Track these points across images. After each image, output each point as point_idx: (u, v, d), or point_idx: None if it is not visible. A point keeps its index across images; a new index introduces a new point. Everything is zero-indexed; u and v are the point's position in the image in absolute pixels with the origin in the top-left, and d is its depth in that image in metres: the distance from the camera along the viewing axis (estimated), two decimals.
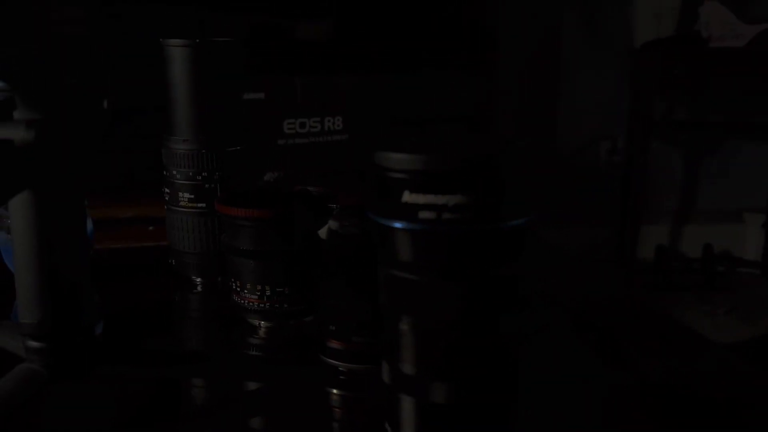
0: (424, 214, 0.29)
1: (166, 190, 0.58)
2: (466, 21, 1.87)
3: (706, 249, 2.31)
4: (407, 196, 0.29)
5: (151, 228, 0.90)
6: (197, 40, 0.54)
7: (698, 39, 1.99)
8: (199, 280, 0.60)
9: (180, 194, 0.57)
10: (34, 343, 0.36)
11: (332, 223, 0.42)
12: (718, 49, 1.96)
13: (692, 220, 2.46)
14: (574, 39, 2.26)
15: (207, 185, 0.57)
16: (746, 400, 0.43)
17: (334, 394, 0.43)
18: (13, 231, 0.33)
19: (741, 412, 0.41)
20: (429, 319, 0.31)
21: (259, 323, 0.49)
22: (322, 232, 0.42)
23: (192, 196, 0.57)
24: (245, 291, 0.49)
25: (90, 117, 0.34)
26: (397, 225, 0.30)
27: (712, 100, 2.27)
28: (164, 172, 0.58)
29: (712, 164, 2.43)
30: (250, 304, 0.49)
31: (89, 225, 0.57)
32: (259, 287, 0.48)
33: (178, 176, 0.57)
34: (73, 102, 0.33)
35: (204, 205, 0.57)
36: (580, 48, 2.26)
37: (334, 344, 0.42)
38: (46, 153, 0.31)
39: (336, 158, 1.16)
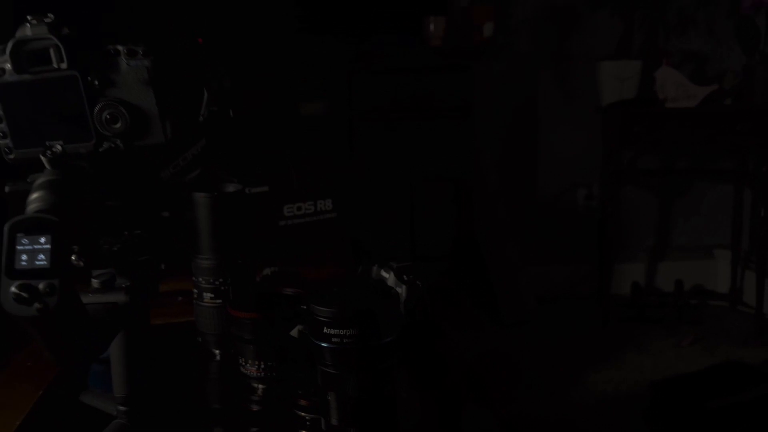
0: (335, 339, 0.54)
1: (195, 290, 0.84)
2: (445, 93, 2.14)
3: (677, 284, 2.54)
4: (326, 330, 0.54)
5: (180, 298, 1.16)
6: (215, 193, 0.80)
7: (655, 100, 2.24)
8: (218, 352, 0.85)
9: (204, 294, 0.83)
10: (123, 408, 0.62)
11: (299, 326, 0.67)
12: (672, 109, 2.21)
13: (666, 257, 2.69)
14: (550, 99, 2.52)
15: (223, 288, 0.82)
16: None
17: None
18: (111, 347, 0.58)
19: None
20: (343, 393, 0.56)
21: (258, 386, 0.75)
22: (294, 332, 0.68)
23: (213, 296, 0.82)
24: (248, 364, 0.74)
25: (156, 275, 0.60)
26: (323, 344, 0.55)
27: (674, 150, 2.52)
28: (193, 278, 0.84)
29: (681, 206, 2.67)
30: (251, 373, 0.74)
31: None
32: (256, 362, 0.74)
33: (203, 282, 0.82)
34: (146, 270, 0.59)
35: (221, 301, 0.82)
36: (556, 107, 2.52)
37: (301, 402, 0.68)
38: (132, 305, 0.56)
39: (327, 234, 1.42)
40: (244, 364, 0.75)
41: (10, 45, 0.56)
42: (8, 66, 0.56)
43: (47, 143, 0.57)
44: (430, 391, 0.86)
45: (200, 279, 0.83)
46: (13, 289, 0.44)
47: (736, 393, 1.85)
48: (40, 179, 0.50)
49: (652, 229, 2.70)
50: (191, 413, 0.78)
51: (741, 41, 2.18)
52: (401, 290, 0.74)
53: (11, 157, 0.59)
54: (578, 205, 2.61)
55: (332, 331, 0.54)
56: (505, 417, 1.74)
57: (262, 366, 0.73)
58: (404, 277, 0.76)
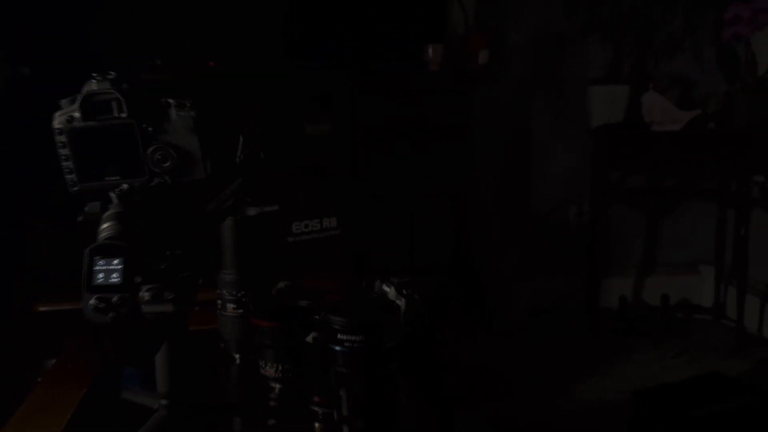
0: (347, 344, 0.66)
1: (219, 302, 0.95)
2: (443, 115, 2.26)
3: (663, 298, 2.65)
4: (339, 336, 0.66)
5: (196, 308, 1.27)
6: (239, 216, 0.92)
7: (642, 123, 2.36)
8: (237, 356, 0.96)
9: (228, 305, 0.94)
10: (163, 401, 0.73)
11: (313, 333, 0.79)
12: (658, 132, 2.33)
13: (653, 272, 2.81)
14: (543, 121, 2.64)
15: (244, 299, 0.94)
16: None
17: (316, 427, 0.79)
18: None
19: None
20: (352, 390, 0.67)
21: (275, 386, 0.86)
22: (309, 338, 0.79)
23: (235, 306, 0.94)
24: (267, 366, 0.85)
25: (194, 289, 0.71)
26: (337, 348, 0.67)
27: (661, 170, 2.65)
28: (217, 291, 0.95)
29: (668, 224, 2.79)
30: (270, 374, 0.85)
31: None
32: (275, 364, 0.85)
33: (227, 294, 0.94)
34: (187, 284, 0.70)
35: (242, 311, 0.94)
36: (549, 128, 2.64)
37: (315, 399, 0.79)
38: (177, 313, 0.67)
39: (331, 249, 1.54)
40: (263, 366, 0.86)
41: (80, 98, 0.67)
42: (77, 114, 0.68)
43: (107, 179, 0.69)
44: (428, 396, 0.97)
45: (224, 291, 0.95)
46: (91, 301, 0.56)
47: (717, 402, 1.95)
48: (109, 211, 0.62)
49: (640, 245, 2.82)
50: (214, 407, 0.89)
51: (722, 69, 2.30)
52: (401, 303, 0.86)
53: (75, 189, 0.70)
54: (569, 222, 2.73)
55: (344, 337, 0.66)
56: (497, 420, 1.85)
57: (280, 368, 0.85)
58: (404, 291, 0.87)
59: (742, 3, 2.15)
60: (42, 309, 1.34)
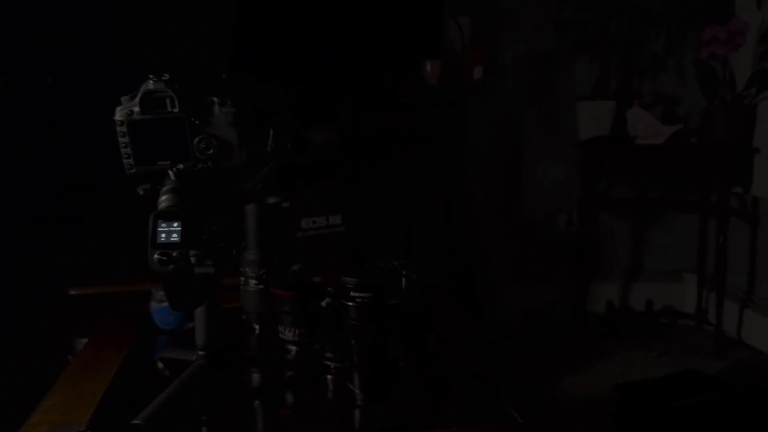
0: (358, 300, 0.79)
1: (242, 278, 1.09)
2: (439, 126, 2.41)
3: (648, 304, 2.79)
4: (352, 293, 0.80)
5: None
6: (261, 204, 1.06)
7: (627, 137, 2.51)
8: (257, 326, 1.10)
9: (250, 281, 1.07)
10: (201, 353, 0.87)
11: (327, 299, 0.92)
12: (642, 145, 2.48)
13: (638, 279, 2.94)
14: (534, 134, 2.79)
15: (264, 276, 1.07)
16: None
17: (329, 378, 0.92)
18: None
19: None
20: (362, 339, 0.81)
21: (292, 348, 0.99)
22: (323, 303, 0.92)
23: (256, 282, 1.07)
24: (285, 331, 0.99)
25: (229, 258, 0.85)
26: (350, 303, 0.80)
27: (646, 181, 2.80)
28: (240, 269, 1.09)
29: (653, 233, 2.93)
30: (288, 338, 0.99)
31: None
32: (292, 329, 0.98)
33: (249, 272, 1.07)
34: (223, 252, 0.84)
35: (263, 286, 1.07)
36: (539, 140, 2.80)
37: (328, 356, 0.92)
38: (216, 276, 0.81)
39: (336, 245, 1.68)
40: (282, 331, 1.00)
41: (139, 95, 0.82)
42: (136, 108, 0.82)
43: (159, 163, 0.83)
44: (425, 362, 1.10)
45: (247, 269, 1.08)
46: (156, 255, 0.69)
47: (693, 396, 2.09)
48: (167, 186, 0.76)
49: (626, 253, 2.96)
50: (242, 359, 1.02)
51: (701, 86, 2.46)
52: (402, 281, 0.99)
53: (132, 171, 0.84)
54: (559, 230, 2.87)
55: (356, 294, 0.79)
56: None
57: (297, 332, 0.98)
58: (404, 271, 1.01)
59: (719, 25, 2.31)
60: (73, 292, 1.47)
